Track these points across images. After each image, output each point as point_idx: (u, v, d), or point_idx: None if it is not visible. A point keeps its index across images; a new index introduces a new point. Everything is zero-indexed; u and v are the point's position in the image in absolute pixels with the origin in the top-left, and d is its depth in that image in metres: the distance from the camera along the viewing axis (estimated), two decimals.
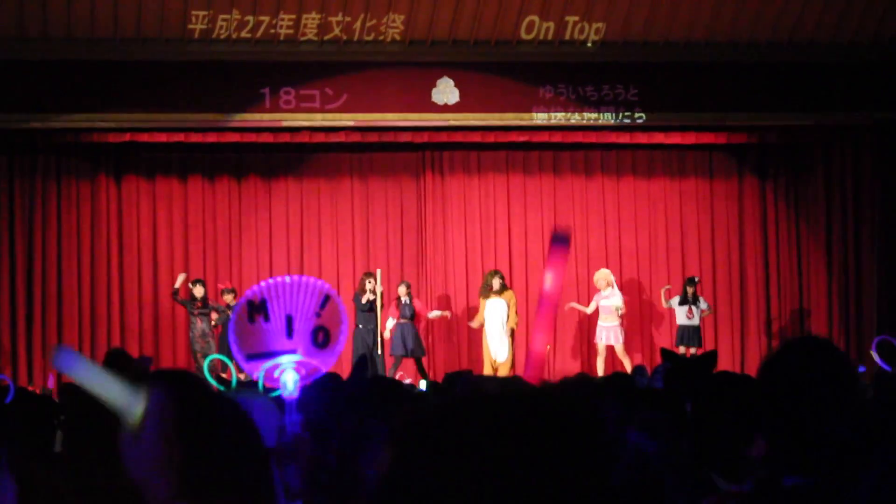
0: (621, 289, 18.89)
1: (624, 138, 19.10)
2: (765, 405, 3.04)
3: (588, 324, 19.35)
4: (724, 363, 18.80)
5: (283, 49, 17.75)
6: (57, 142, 18.13)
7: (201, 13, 17.29)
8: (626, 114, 18.55)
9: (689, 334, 18.42)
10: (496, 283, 18.16)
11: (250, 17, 17.40)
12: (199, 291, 17.79)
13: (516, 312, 18.19)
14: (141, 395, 2.15)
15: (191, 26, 17.39)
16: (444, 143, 19.16)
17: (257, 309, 4.96)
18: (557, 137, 18.93)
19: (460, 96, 18.21)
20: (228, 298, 17.72)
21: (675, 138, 19.23)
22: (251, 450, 2.17)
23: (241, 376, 9.44)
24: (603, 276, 18.65)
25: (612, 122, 18.58)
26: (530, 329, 17.46)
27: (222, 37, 17.53)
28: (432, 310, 18.77)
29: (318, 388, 4.81)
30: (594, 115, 18.52)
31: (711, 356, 5.59)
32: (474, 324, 18.49)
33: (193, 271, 18.78)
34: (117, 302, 18.64)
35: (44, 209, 18.45)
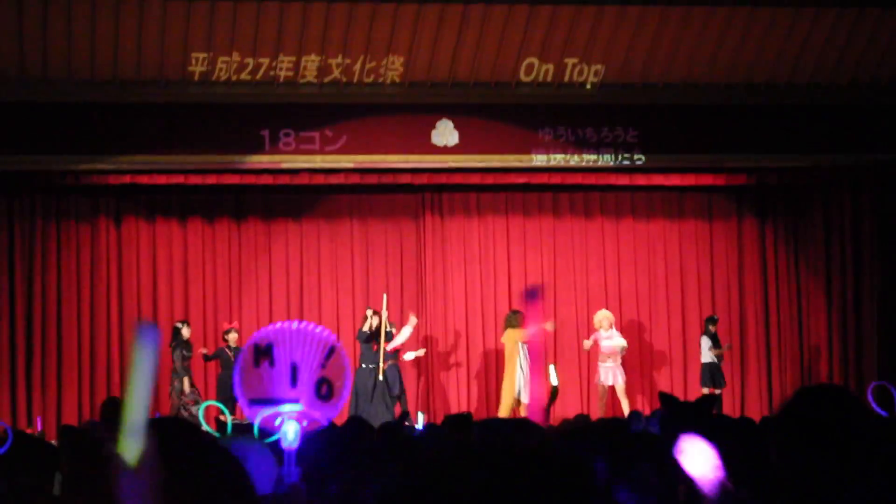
0: (620, 330, 18.88)
1: (623, 180, 19.12)
2: (781, 452, 3.01)
3: (588, 363, 19.33)
4: (725, 403, 18.78)
5: (283, 91, 17.79)
6: (57, 183, 18.14)
7: (201, 55, 17.34)
8: (626, 155, 18.58)
9: (714, 373, 18.43)
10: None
11: (250, 60, 17.45)
12: (186, 332, 17.74)
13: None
14: (146, 434, 2.15)
15: (191, 68, 17.44)
16: (443, 185, 19.19)
17: (263, 353, 4.94)
18: (557, 179, 18.95)
19: (460, 138, 18.24)
20: (231, 338, 17.70)
21: (674, 180, 19.26)
22: (239, 496, 2.17)
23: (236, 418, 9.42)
24: (605, 316, 18.64)
25: (612, 163, 18.60)
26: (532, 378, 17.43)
27: (222, 79, 17.58)
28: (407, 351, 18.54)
29: (316, 439, 4.78)
30: (593, 157, 18.54)
31: (710, 400, 5.57)
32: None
33: (193, 313, 18.77)
34: (117, 345, 18.60)
35: (43, 250, 18.44)
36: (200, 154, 17.81)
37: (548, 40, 17.81)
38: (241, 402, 5.18)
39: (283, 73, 17.64)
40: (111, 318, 18.65)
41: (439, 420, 13.73)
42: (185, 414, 17.00)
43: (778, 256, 20.05)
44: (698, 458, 3.69)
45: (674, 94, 18.54)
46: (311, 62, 17.60)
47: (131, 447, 2.12)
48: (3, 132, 17.35)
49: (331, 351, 5.10)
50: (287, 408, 4.95)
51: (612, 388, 18.42)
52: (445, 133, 18.25)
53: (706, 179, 19.32)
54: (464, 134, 18.24)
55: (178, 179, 18.18)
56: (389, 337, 17.82)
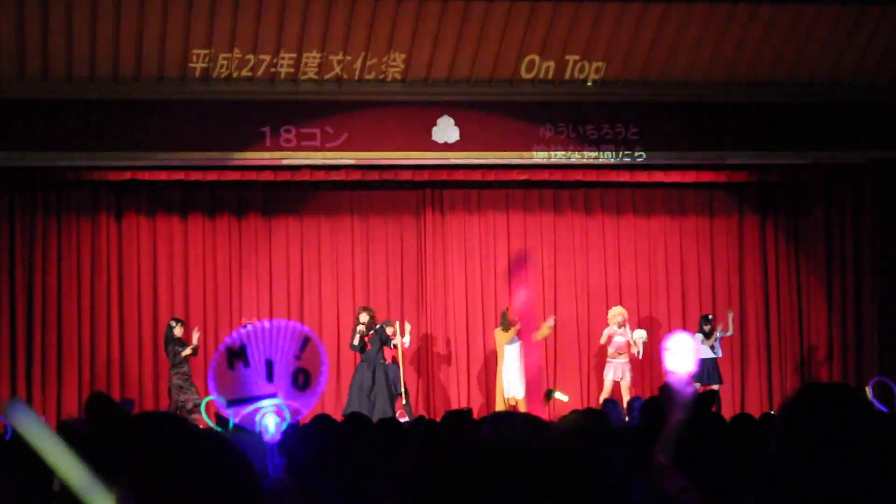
0: (633, 328, 18.89)
1: (624, 177, 19.12)
2: (786, 449, 3.01)
3: (589, 359, 19.34)
4: (725, 400, 18.78)
5: (284, 88, 17.78)
6: (57, 179, 18.15)
7: (202, 52, 17.34)
8: (626, 152, 18.58)
9: (710, 370, 18.42)
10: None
11: (251, 56, 17.45)
12: (178, 331, 17.74)
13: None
14: (110, 493, 1.96)
15: (191, 65, 17.43)
16: (444, 182, 19.17)
17: (237, 355, 4.93)
18: (557, 176, 18.94)
19: (460, 135, 18.24)
20: None
21: (675, 177, 19.25)
22: (246, 488, 2.12)
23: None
24: (618, 312, 18.67)
25: (613, 160, 18.60)
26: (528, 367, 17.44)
27: (223, 76, 17.58)
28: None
29: (307, 433, 4.78)
30: (594, 154, 18.55)
31: (710, 395, 5.59)
32: (540, 334, 18.43)
33: (193, 309, 18.77)
34: (117, 340, 18.60)
35: (44, 246, 18.44)
36: (201, 150, 17.81)
37: (549, 37, 17.81)
38: (219, 404, 5.19)
39: (283, 70, 17.64)
40: (111, 314, 18.65)
41: (439, 417, 13.73)
42: (181, 412, 16.99)
43: (778, 253, 20.05)
44: (681, 356, 3.71)
45: (675, 90, 18.55)
46: (311, 59, 17.60)
47: (101, 500, 1.97)
48: (4, 128, 17.36)
49: (305, 341, 5.11)
50: (265, 402, 4.95)
51: (617, 384, 18.44)
52: (446, 129, 18.26)
53: (707, 176, 19.31)
54: (465, 130, 18.24)
55: (179, 175, 18.18)
56: (387, 342, 17.80)
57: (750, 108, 18.67)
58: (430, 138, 18.19)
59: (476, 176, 18.87)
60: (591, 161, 18.59)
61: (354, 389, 17.61)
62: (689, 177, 19.27)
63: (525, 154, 18.40)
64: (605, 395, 18.40)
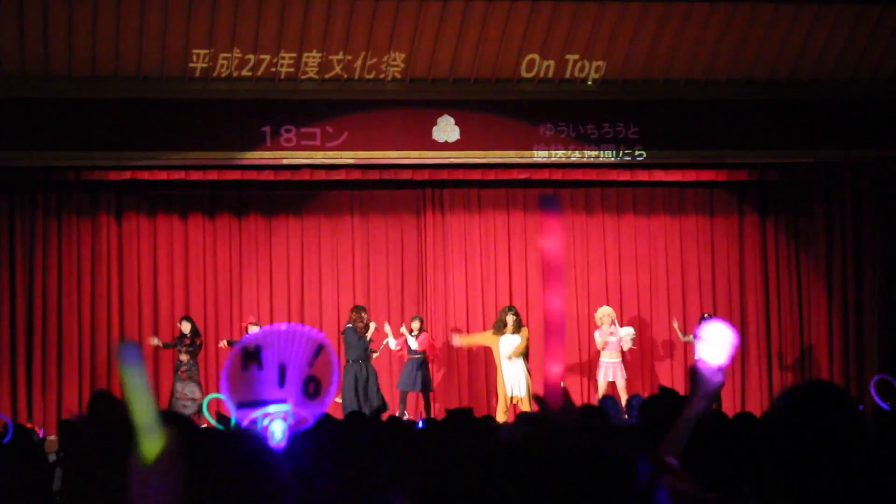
0: (622, 326, 18.86)
1: (624, 176, 19.11)
2: (770, 449, 3.01)
3: (589, 359, 19.33)
4: (725, 399, 18.78)
5: (284, 87, 17.79)
6: (57, 179, 18.15)
7: (202, 52, 17.34)
8: (627, 151, 18.58)
9: None
10: (510, 319, 17.85)
11: (251, 56, 17.45)
12: (185, 327, 17.82)
13: (526, 347, 17.89)
14: (163, 431, 2.16)
15: (192, 65, 17.44)
16: (444, 181, 19.17)
17: (251, 356, 4.92)
18: (558, 175, 18.93)
19: (461, 134, 18.24)
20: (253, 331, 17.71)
21: (675, 176, 19.24)
22: (263, 479, 2.15)
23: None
24: (606, 312, 18.62)
25: (613, 159, 18.60)
26: (543, 359, 17.44)
27: (223, 75, 17.58)
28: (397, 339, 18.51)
29: (311, 433, 4.77)
30: (594, 153, 18.55)
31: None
32: (457, 341, 18.42)
33: (194, 308, 18.79)
34: (117, 339, 18.61)
35: (44, 246, 18.46)
36: (201, 150, 17.81)
37: (549, 36, 17.81)
38: (230, 406, 5.18)
39: (284, 70, 17.65)
40: (112, 314, 18.66)
41: (440, 417, 13.74)
42: (179, 407, 17.08)
43: (779, 252, 20.05)
44: (715, 346, 3.69)
45: (675, 89, 18.54)
46: (312, 58, 17.60)
47: (149, 444, 2.10)
48: (5, 128, 17.36)
49: (319, 349, 5.09)
50: (274, 407, 4.95)
51: (613, 385, 18.41)
52: (447, 129, 18.26)
53: (707, 175, 19.31)
54: (465, 130, 18.24)
55: (179, 175, 18.18)
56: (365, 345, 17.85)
57: (750, 106, 18.66)
58: (430, 138, 18.20)
59: (476, 175, 18.86)
60: (592, 160, 18.59)
61: (345, 389, 17.56)
62: (690, 176, 19.27)
63: (525, 153, 18.40)
64: (600, 396, 18.38)
